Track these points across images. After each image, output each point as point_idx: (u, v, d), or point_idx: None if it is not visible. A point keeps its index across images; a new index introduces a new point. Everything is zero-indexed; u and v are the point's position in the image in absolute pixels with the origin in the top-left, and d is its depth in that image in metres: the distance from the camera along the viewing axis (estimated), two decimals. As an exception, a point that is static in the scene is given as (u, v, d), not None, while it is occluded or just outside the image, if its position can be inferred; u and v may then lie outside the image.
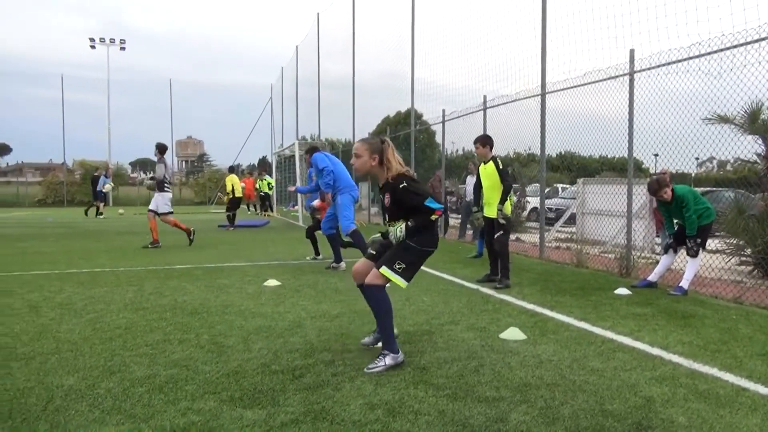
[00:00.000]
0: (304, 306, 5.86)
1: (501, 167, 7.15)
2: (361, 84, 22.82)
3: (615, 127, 8.80)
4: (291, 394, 3.35)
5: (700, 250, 6.71)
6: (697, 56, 7.13)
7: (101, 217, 23.51)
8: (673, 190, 6.77)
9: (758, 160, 10.27)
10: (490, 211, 7.30)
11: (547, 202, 23.00)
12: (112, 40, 41.75)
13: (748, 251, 9.07)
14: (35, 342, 4.49)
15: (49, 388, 3.44)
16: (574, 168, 17.92)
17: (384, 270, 3.80)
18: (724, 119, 9.28)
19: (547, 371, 3.77)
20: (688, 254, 6.75)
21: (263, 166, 38.80)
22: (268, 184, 26.09)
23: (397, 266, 3.80)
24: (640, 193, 10.38)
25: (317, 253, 9.60)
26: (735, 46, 6.68)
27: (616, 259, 8.44)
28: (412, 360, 4.02)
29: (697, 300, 6.37)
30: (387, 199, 3.90)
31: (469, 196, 14.36)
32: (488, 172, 7.32)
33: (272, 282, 7.13)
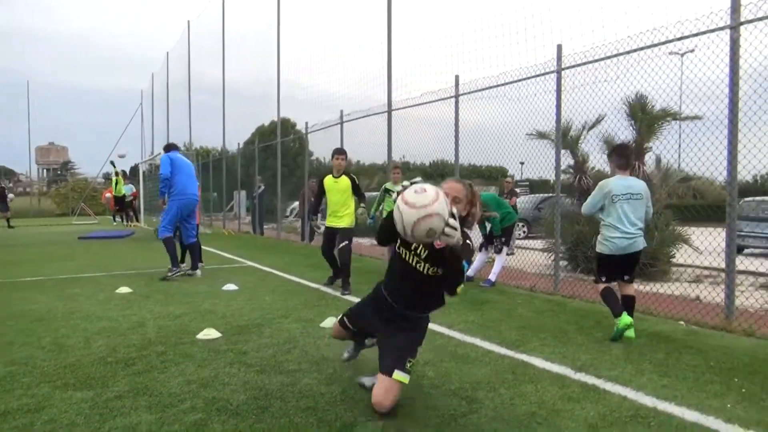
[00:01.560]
0: (151, 309, 6.34)
1: (357, 183, 7.44)
2: (236, 91, 23.13)
3: (476, 137, 9.95)
4: (120, 378, 3.92)
5: (504, 248, 7.99)
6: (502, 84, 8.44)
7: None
8: (481, 201, 7.99)
9: (571, 171, 12.04)
10: (339, 222, 7.47)
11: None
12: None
13: (563, 248, 10.66)
14: None
15: None
16: (446, 176, 19.49)
17: (398, 375, 3.22)
18: (542, 135, 10.84)
19: (341, 346, 4.61)
20: (494, 252, 8.00)
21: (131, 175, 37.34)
22: (117, 184, 24.44)
23: (408, 365, 3.29)
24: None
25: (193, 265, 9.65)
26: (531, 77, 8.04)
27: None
28: (237, 347, 4.71)
29: (501, 290, 7.61)
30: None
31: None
32: (342, 187, 7.43)
33: (124, 289, 7.48)
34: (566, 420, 3.16)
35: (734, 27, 5.25)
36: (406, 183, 8.79)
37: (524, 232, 18.40)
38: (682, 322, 5.75)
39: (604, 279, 5.24)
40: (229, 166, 22.59)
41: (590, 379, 3.87)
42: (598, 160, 11.29)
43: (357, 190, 7.50)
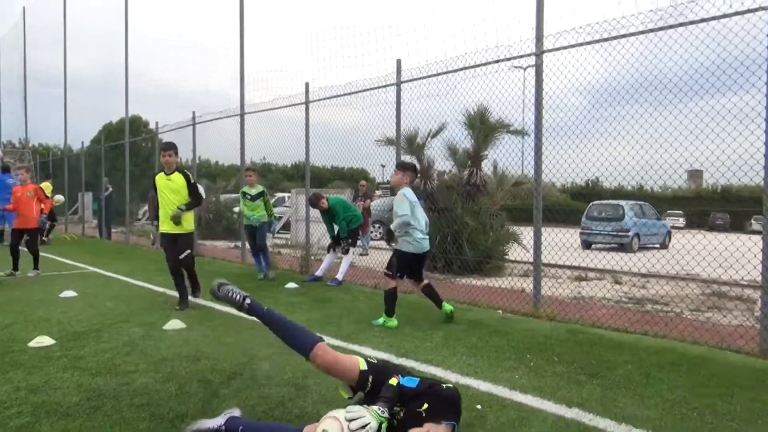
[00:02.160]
0: (-24, 319, 5.96)
1: (192, 181, 6.72)
2: (80, 84, 21.60)
3: (335, 139, 10.25)
4: (-63, 389, 3.76)
5: (351, 249, 8.47)
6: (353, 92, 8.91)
7: None
8: (327, 200, 8.41)
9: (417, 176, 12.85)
10: (174, 227, 6.64)
11: (274, 210, 24.60)
12: None
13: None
14: None
15: None
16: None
17: None
18: (390, 141, 11.49)
19: (185, 346, 4.78)
20: (342, 252, 8.46)
21: None
22: None
23: None
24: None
25: (15, 268, 9.20)
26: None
27: (297, 259, 9.94)
28: (71, 352, 4.65)
29: (346, 289, 8.06)
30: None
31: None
32: (176, 186, 6.66)
33: (-57, 299, 6.92)
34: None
35: (538, 54, 6.11)
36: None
37: (380, 233, 19.18)
38: (499, 311, 6.54)
39: (404, 276, 5.96)
40: (73, 165, 21.09)
41: (410, 363, 4.37)
42: (444, 165, 12.24)
43: (192, 190, 6.70)
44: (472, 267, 10.50)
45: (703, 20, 4.98)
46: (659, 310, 7.09)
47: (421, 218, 5.84)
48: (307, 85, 9.59)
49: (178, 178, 6.67)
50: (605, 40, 5.60)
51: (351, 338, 5.15)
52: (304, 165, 10.43)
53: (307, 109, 9.61)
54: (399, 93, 7.99)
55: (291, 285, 8.08)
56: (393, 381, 2.81)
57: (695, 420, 3.35)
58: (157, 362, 4.38)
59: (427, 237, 5.92)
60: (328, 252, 8.80)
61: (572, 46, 5.80)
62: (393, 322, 5.74)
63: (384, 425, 2.55)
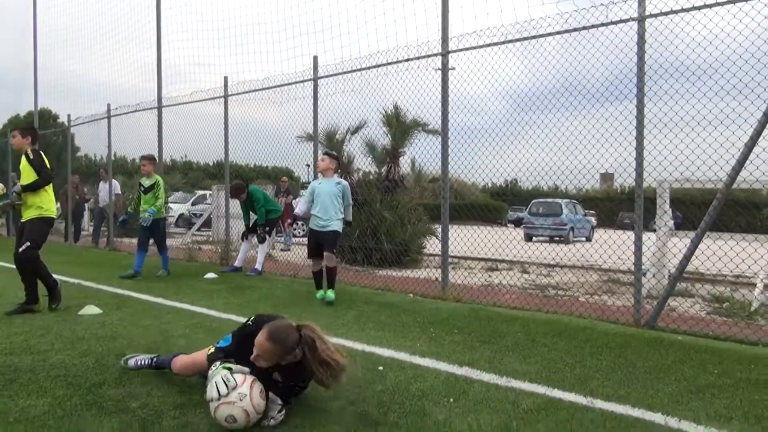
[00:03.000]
0: None
1: (32, 158, 5.68)
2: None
3: (257, 137, 10.32)
4: None
5: (267, 238, 8.69)
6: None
7: None
8: (249, 192, 8.59)
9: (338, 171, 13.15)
10: (25, 215, 5.77)
11: (195, 207, 24.21)
12: None
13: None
14: None
15: None
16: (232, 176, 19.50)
17: None
18: (310, 137, 11.73)
19: (102, 328, 4.88)
20: (258, 241, 8.66)
21: None
22: None
23: None
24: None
25: None
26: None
27: (217, 253, 10.03)
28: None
29: (266, 278, 8.27)
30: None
31: (102, 202, 14.56)
32: (23, 169, 5.77)
33: None
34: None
35: (444, 54, 6.58)
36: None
37: (303, 230, 19.35)
38: (410, 295, 6.97)
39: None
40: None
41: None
42: (362, 162, 12.60)
43: (33, 164, 5.69)
44: (391, 259, 10.93)
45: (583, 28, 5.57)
46: (558, 295, 7.75)
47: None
48: (225, 78, 9.71)
49: (22, 160, 5.77)
50: (503, 42, 6.13)
51: (205, 305, 5.43)
52: (232, 162, 10.48)
53: (226, 102, 9.72)
54: (316, 88, 8.29)
55: (210, 275, 8.20)
56: (209, 351, 3.29)
57: (566, 372, 3.85)
58: (73, 342, 4.47)
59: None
60: (243, 240, 8.96)
61: (474, 48, 6.30)
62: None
63: (229, 370, 2.93)
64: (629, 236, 5.77)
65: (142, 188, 8.43)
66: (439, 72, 7.48)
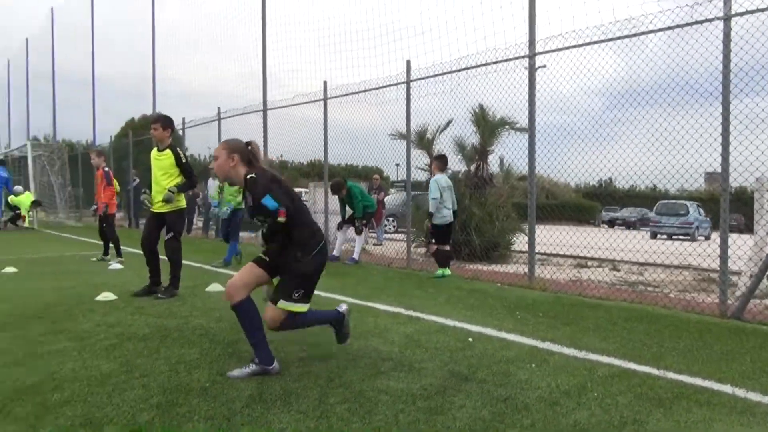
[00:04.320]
0: (44, 283, 6.92)
1: (183, 161, 6.07)
2: (106, 84, 22.65)
3: (351, 139, 11.12)
4: (35, 325, 4.69)
5: (364, 230, 9.37)
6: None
7: None
8: (348, 187, 9.30)
9: (428, 169, 13.68)
10: (162, 206, 6.11)
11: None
12: None
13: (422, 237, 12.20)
14: None
15: None
16: (323, 174, 20.60)
17: (282, 305, 3.47)
18: (402, 136, 12.32)
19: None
20: (356, 233, 9.34)
21: None
22: None
23: (296, 295, 3.51)
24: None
25: (105, 253, 9.57)
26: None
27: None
28: (133, 305, 5.58)
29: (361, 266, 8.94)
30: (249, 199, 3.53)
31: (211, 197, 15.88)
32: (164, 163, 6.09)
33: (9, 269, 7.89)
34: (392, 333, 4.48)
35: (531, 56, 6.93)
36: None
37: (394, 226, 20.03)
38: (498, 284, 7.38)
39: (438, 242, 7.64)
40: (114, 161, 22.02)
41: (415, 314, 5.24)
42: (453, 160, 13.02)
43: (183, 168, 6.07)
44: (479, 254, 11.30)
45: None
46: (647, 291, 7.86)
47: (448, 199, 7.87)
48: (325, 83, 10.47)
49: (167, 155, 6.06)
50: (589, 44, 6.40)
51: (366, 299, 6.03)
52: (320, 161, 11.25)
53: (325, 105, 10.49)
54: (409, 91, 8.84)
55: (312, 263, 8.97)
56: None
57: (644, 350, 4.17)
58: (206, 310, 5.28)
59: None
60: (338, 230, 9.69)
61: (558, 50, 6.62)
62: (446, 271, 7.75)
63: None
64: (733, 239, 5.67)
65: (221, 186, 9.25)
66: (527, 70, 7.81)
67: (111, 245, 9.38)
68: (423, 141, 12.82)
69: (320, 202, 15.43)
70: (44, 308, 5.38)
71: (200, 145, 16.31)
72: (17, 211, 17.57)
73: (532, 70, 6.95)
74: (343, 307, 3.96)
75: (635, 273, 10.02)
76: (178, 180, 6.10)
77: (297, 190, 20.80)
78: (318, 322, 3.84)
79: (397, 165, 15.72)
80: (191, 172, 6.15)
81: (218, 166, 3.56)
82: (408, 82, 8.83)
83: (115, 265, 8.36)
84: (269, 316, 3.49)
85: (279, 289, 3.51)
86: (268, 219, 3.41)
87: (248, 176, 3.44)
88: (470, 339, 4.36)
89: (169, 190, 5.98)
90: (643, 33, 6.09)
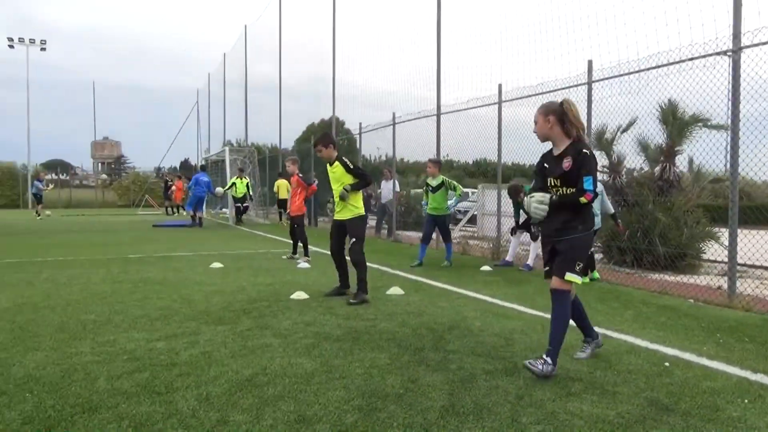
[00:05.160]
0: (245, 278, 7.76)
1: (352, 167, 6.46)
2: (289, 88, 24.57)
3: (519, 136, 11.02)
4: (244, 319, 5.28)
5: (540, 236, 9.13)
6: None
7: (39, 218, 24.05)
8: (525, 192, 9.14)
9: (606, 170, 13.00)
10: (341, 214, 6.56)
11: (458, 204, 25.70)
12: (32, 41, 41.22)
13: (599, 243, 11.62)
14: (50, 299, 6.16)
15: (81, 320, 5.20)
16: (489, 174, 20.49)
17: (569, 276, 3.79)
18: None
19: (408, 306, 5.90)
20: (531, 239, 9.14)
21: (187, 168, 39.38)
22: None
23: (578, 267, 3.82)
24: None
25: (294, 252, 10.37)
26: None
27: (485, 249, 10.80)
28: (324, 304, 6.03)
29: (537, 273, 8.73)
30: (567, 164, 3.75)
31: (385, 198, 16.52)
32: (336, 175, 6.54)
33: (216, 264, 8.95)
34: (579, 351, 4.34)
35: (736, 51, 6.26)
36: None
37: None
38: (691, 300, 6.78)
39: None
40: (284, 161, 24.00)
41: (601, 330, 5.00)
42: (635, 161, 12.20)
43: (353, 172, 6.46)
44: (664, 263, 10.47)
45: None
46: None
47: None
48: (500, 86, 10.38)
49: (337, 167, 6.50)
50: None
51: (545, 310, 5.89)
52: (486, 160, 11.18)
53: (499, 108, 10.40)
54: (590, 92, 8.45)
55: (485, 267, 8.98)
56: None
57: None
58: (389, 314, 5.54)
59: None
60: (512, 235, 9.55)
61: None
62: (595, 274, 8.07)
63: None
64: None
65: (430, 188, 9.61)
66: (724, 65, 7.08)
67: (299, 245, 10.16)
68: (602, 141, 12.19)
69: (489, 204, 15.38)
70: (249, 303, 6.03)
71: (371, 146, 16.97)
72: (243, 204, 20.01)
73: (736, 66, 6.27)
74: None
75: None
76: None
77: (465, 189, 20.67)
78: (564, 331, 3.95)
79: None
80: (362, 173, 6.49)
81: (538, 129, 3.93)
82: (589, 83, 8.45)
83: (303, 264, 9.08)
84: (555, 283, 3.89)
85: (561, 263, 3.83)
86: (570, 192, 3.78)
87: (584, 150, 3.75)
88: (666, 363, 4.07)
89: (344, 189, 6.37)
90: None
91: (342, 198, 6.43)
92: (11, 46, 40.83)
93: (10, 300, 6.18)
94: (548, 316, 5.48)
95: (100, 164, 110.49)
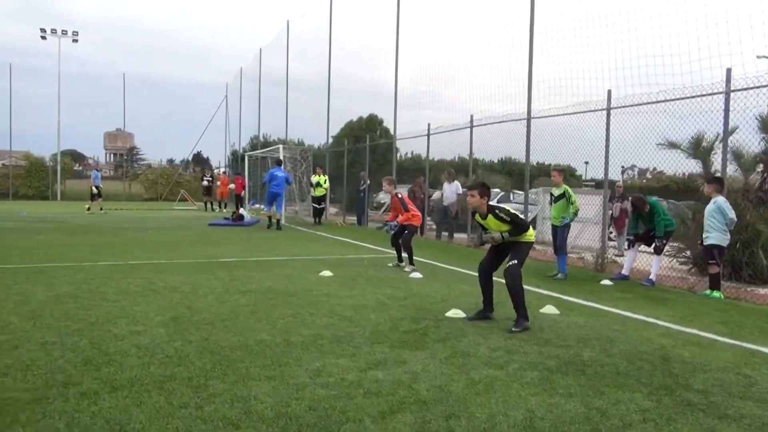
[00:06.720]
0: (371, 290, 7.37)
1: (508, 218, 5.88)
2: (325, 88, 24.15)
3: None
4: (431, 343, 4.93)
5: (663, 249, 8.77)
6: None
7: (102, 211, 23.78)
8: (650, 204, 8.77)
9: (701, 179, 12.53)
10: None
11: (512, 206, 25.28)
12: (64, 32, 41.03)
13: (687, 252, 11.20)
14: (202, 314, 5.83)
15: (247, 341, 4.87)
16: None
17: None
18: (673, 145, 11.44)
19: (582, 330, 5.58)
20: (655, 252, 8.75)
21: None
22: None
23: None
24: (595, 203, 12.36)
25: (400, 260, 9.83)
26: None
27: (592, 259, 10.40)
28: (478, 324, 5.66)
29: (662, 289, 8.37)
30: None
31: (447, 201, 16.05)
32: (490, 225, 6.06)
33: (326, 272, 8.57)
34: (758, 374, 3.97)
35: None
36: None
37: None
38: None
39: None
40: (331, 160, 23.54)
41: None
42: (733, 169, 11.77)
43: (509, 223, 5.92)
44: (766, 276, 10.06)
45: None
46: None
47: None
48: (609, 92, 9.99)
49: (490, 219, 6.00)
50: None
51: (683, 322, 5.65)
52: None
53: (608, 115, 10.00)
54: (728, 102, 8.10)
55: (606, 282, 8.64)
56: None
57: None
58: (578, 340, 5.18)
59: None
60: (629, 248, 9.20)
61: None
62: (717, 293, 7.79)
63: None
64: None
65: (552, 197, 9.22)
66: None
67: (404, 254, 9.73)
68: (697, 150, 11.78)
69: (548, 209, 14.99)
70: (412, 322, 5.68)
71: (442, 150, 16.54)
72: (320, 205, 19.56)
73: None
74: None
75: None
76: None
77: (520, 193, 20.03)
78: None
79: (586, 163, 14.79)
80: (518, 222, 5.90)
81: None
82: (727, 93, 8.04)
83: (416, 274, 8.71)
84: None
85: None
86: None
87: None
88: None
89: (501, 235, 5.91)
90: None
91: (497, 241, 6.02)
92: (44, 38, 40.64)
93: (161, 312, 5.86)
94: (689, 330, 5.13)
95: (112, 155, 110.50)
